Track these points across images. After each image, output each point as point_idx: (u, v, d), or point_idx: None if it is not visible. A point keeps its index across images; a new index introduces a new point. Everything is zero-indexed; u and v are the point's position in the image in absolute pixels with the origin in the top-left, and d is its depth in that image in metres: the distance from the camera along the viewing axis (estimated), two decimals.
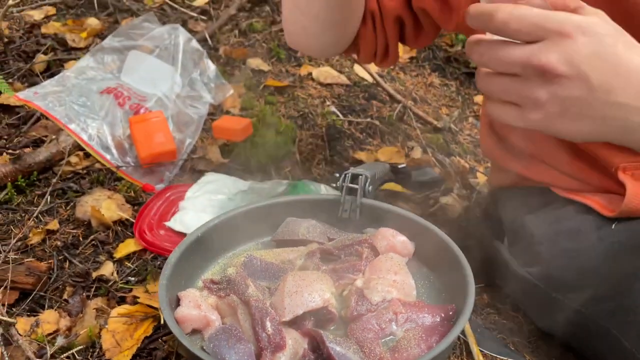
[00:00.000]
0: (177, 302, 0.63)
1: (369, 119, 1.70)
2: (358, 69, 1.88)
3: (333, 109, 1.69)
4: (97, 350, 0.95)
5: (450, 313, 0.63)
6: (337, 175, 1.50)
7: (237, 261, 0.68)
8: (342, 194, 0.78)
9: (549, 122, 0.56)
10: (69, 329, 0.98)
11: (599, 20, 0.55)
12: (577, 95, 0.54)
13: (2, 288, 0.99)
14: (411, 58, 2.10)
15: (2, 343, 0.90)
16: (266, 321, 0.58)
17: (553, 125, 0.57)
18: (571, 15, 0.56)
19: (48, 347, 0.88)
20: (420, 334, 0.59)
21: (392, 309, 0.62)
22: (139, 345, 0.95)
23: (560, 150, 0.99)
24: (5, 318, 0.91)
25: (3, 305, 0.97)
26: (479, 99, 2.07)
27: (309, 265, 0.69)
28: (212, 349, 0.56)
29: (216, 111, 1.57)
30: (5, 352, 0.88)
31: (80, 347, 0.93)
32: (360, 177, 0.78)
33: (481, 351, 0.97)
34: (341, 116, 1.67)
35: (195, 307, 0.61)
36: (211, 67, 1.55)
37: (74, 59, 1.63)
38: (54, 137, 1.35)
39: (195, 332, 0.61)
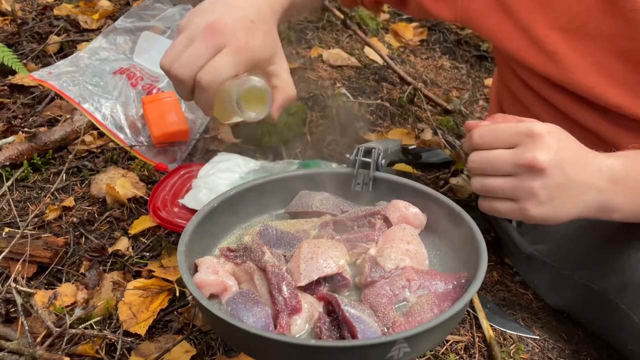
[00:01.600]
0: (195, 270, 0.65)
1: (379, 101, 1.70)
2: (369, 51, 1.88)
3: (343, 90, 1.69)
4: (114, 321, 0.97)
5: (463, 280, 0.64)
6: (348, 156, 1.51)
7: (253, 230, 0.70)
8: (355, 167, 0.79)
9: (542, 208, 0.68)
10: (86, 301, 1.00)
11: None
12: (559, 182, 0.67)
13: (20, 261, 1.02)
14: (422, 41, 2.09)
15: (22, 313, 0.93)
16: (282, 285, 0.60)
17: (545, 212, 0.69)
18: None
19: (67, 318, 0.90)
20: (433, 300, 0.61)
21: (405, 276, 0.63)
22: (154, 317, 0.97)
23: (569, 131, 1.00)
24: (25, 288, 0.93)
25: (22, 277, 1.00)
26: (489, 82, 2.06)
27: (323, 235, 0.71)
28: (230, 312, 0.58)
29: None
30: (25, 322, 0.91)
31: (97, 319, 0.96)
32: (374, 150, 0.79)
33: (491, 326, 0.98)
34: (351, 98, 1.68)
35: (213, 273, 0.63)
36: None
37: (86, 41, 1.65)
38: (68, 116, 1.37)
39: (212, 297, 0.63)
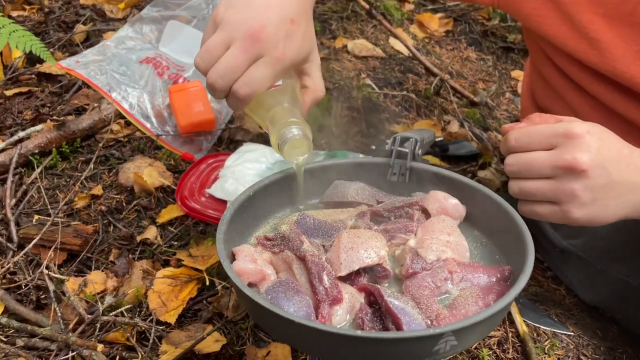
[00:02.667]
0: (232, 258, 0.64)
1: (404, 92, 1.68)
2: (393, 41, 1.85)
3: (369, 81, 1.68)
4: (144, 309, 0.97)
5: (507, 274, 0.62)
6: (373, 148, 1.49)
7: (290, 219, 0.69)
8: (391, 157, 0.78)
9: (585, 210, 0.66)
10: (116, 289, 1.01)
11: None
12: (602, 183, 0.65)
13: (52, 248, 1.02)
14: (447, 32, 2.06)
15: (54, 300, 0.93)
16: (323, 275, 0.59)
17: (589, 214, 0.67)
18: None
19: (100, 305, 0.90)
20: (477, 293, 0.59)
21: (447, 268, 0.62)
22: (184, 306, 0.97)
23: (608, 124, 0.97)
24: (57, 275, 0.94)
25: (54, 264, 1.00)
26: (516, 74, 2.02)
27: (360, 225, 0.69)
28: (270, 301, 0.57)
29: None
30: (57, 309, 0.91)
31: (128, 306, 0.96)
32: (411, 140, 0.77)
33: (524, 321, 0.96)
34: (377, 89, 1.66)
35: (251, 261, 0.62)
36: None
37: (112, 30, 1.65)
38: (95, 105, 1.37)
39: (250, 286, 0.62)
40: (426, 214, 0.72)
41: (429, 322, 0.56)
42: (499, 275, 0.62)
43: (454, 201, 0.72)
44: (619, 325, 1.00)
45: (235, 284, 0.55)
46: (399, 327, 0.53)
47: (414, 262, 0.62)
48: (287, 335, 0.55)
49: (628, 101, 0.88)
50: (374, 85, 1.67)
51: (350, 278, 0.62)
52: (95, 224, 1.14)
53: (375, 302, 0.58)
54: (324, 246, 0.65)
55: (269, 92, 0.72)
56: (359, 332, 0.50)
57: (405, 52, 1.83)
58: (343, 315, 0.57)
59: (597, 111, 0.97)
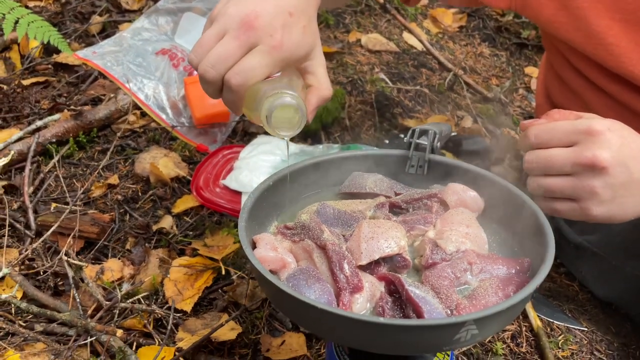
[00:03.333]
0: (252, 247, 0.65)
1: (418, 87, 1.68)
2: (407, 36, 1.85)
3: (382, 76, 1.68)
4: (161, 297, 0.98)
5: (526, 265, 0.63)
6: (387, 142, 1.49)
7: (310, 209, 0.69)
8: (410, 149, 0.78)
9: (604, 207, 0.66)
10: (132, 277, 1.02)
11: (613, 120, 0.67)
12: (622, 181, 0.65)
13: (71, 236, 1.03)
14: (460, 27, 2.06)
15: (73, 286, 0.94)
16: (344, 263, 0.59)
17: (608, 211, 0.67)
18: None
19: (118, 291, 0.91)
20: (497, 284, 0.59)
21: (466, 259, 0.62)
22: (200, 295, 0.98)
23: (625, 123, 0.97)
24: (76, 262, 0.95)
25: (72, 251, 1.01)
26: (529, 70, 2.02)
27: (379, 216, 0.70)
28: (292, 288, 0.57)
29: None
30: (77, 295, 0.93)
31: (144, 294, 0.97)
32: (429, 132, 0.78)
33: (538, 316, 0.97)
34: (390, 83, 1.66)
35: (272, 249, 0.62)
36: None
37: (128, 21, 1.66)
38: (112, 95, 1.38)
39: (271, 273, 0.63)
40: (445, 206, 0.72)
41: (449, 312, 0.57)
42: (518, 268, 0.63)
43: (472, 193, 0.72)
44: (632, 322, 1.00)
45: (257, 270, 0.56)
46: (420, 316, 0.54)
47: (433, 252, 0.62)
48: (308, 322, 0.56)
49: None
50: (387, 80, 1.67)
51: (370, 267, 0.62)
52: (112, 213, 1.15)
53: (395, 291, 0.59)
54: (343, 236, 0.66)
55: (265, 81, 0.65)
56: (381, 319, 0.50)
57: (419, 46, 1.82)
58: (363, 303, 0.58)
59: (613, 110, 0.96)
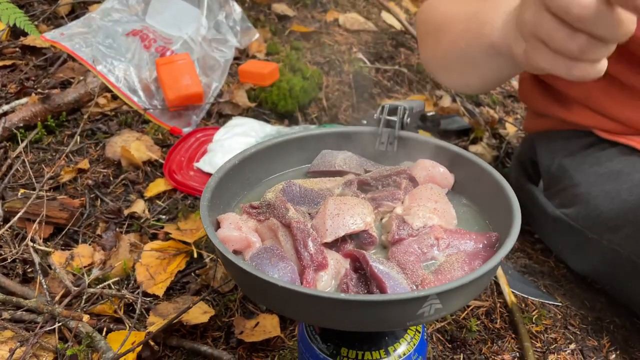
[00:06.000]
0: (217, 226, 0.63)
1: (396, 67, 1.66)
2: (386, 15, 1.83)
3: (360, 55, 1.65)
4: (132, 282, 0.97)
5: (493, 240, 0.62)
6: (364, 122, 1.48)
7: (276, 187, 0.68)
8: (379, 126, 0.77)
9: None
10: (103, 262, 1.00)
11: None
12: None
13: (37, 221, 1.01)
14: None
15: (40, 272, 0.92)
16: (308, 241, 0.58)
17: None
18: None
19: (86, 277, 0.90)
20: (463, 258, 0.59)
21: (433, 235, 0.61)
22: (172, 279, 0.97)
23: (608, 96, 0.96)
24: (43, 247, 0.93)
25: (39, 237, 0.99)
26: None
27: (347, 193, 0.69)
28: (255, 267, 0.56)
29: (242, 55, 1.54)
30: (43, 281, 0.90)
31: (115, 279, 0.95)
32: (399, 108, 0.76)
33: (513, 292, 0.97)
34: (368, 63, 1.64)
35: (236, 229, 0.61)
36: (237, 9, 1.52)
37: (98, 2, 1.61)
38: (81, 78, 1.35)
39: (235, 253, 0.61)
40: (414, 182, 0.71)
41: (414, 287, 0.56)
42: (485, 242, 0.62)
43: (441, 169, 0.71)
44: (607, 296, 1.01)
45: (219, 250, 0.54)
46: (383, 291, 0.53)
47: (400, 228, 0.61)
48: (271, 301, 0.55)
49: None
50: (365, 60, 1.65)
51: (336, 245, 0.61)
52: (82, 198, 1.12)
53: (360, 268, 0.58)
54: (309, 214, 0.64)
55: None
56: (342, 295, 0.49)
57: (398, 26, 1.80)
58: (328, 280, 0.57)
59: (600, 83, 0.95)
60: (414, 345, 0.68)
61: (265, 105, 1.42)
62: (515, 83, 1.94)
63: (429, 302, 0.50)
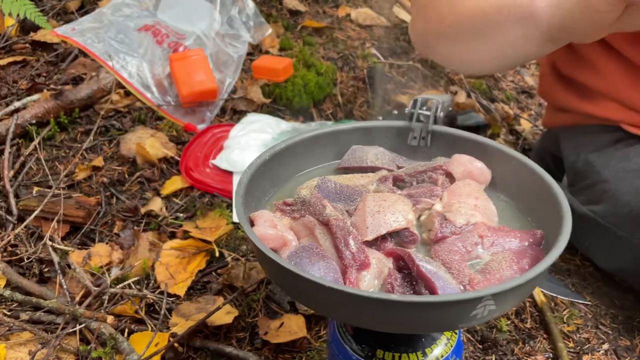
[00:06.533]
0: (250, 225, 0.61)
1: (410, 62, 1.64)
2: (398, 10, 1.80)
3: (374, 51, 1.63)
4: (152, 282, 0.94)
5: (538, 237, 0.60)
6: (380, 119, 1.45)
7: (310, 184, 0.65)
8: (412, 120, 0.74)
9: None
10: (121, 261, 0.98)
11: None
12: None
13: (55, 220, 0.98)
14: None
15: (59, 271, 0.90)
16: (349, 239, 0.56)
17: None
18: None
19: (107, 277, 0.87)
20: (511, 257, 0.56)
21: (477, 232, 0.59)
22: (193, 278, 0.94)
23: (636, 89, 0.94)
24: (62, 246, 0.90)
25: (57, 236, 0.97)
26: None
27: (383, 190, 0.66)
28: (295, 267, 0.54)
29: (254, 51, 1.52)
30: (63, 281, 0.88)
31: (135, 279, 0.93)
32: (433, 102, 0.74)
33: (542, 291, 0.95)
34: (382, 59, 1.62)
35: (272, 227, 0.59)
36: (250, 4, 1.49)
37: None
38: (94, 74, 1.32)
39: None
40: (450, 178, 0.68)
41: (462, 288, 0.54)
42: (531, 240, 0.60)
43: (479, 164, 0.69)
44: (635, 295, 0.99)
45: (259, 248, 0.52)
46: (433, 292, 0.51)
47: (443, 226, 0.59)
48: (315, 302, 0.52)
49: None
50: (379, 55, 1.63)
51: (376, 243, 0.59)
52: (98, 196, 1.10)
53: (404, 268, 0.55)
54: (347, 211, 0.62)
55: None
56: (395, 296, 0.47)
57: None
58: (371, 280, 0.54)
59: (627, 75, 0.93)
60: (451, 347, 0.66)
61: (280, 102, 1.39)
62: (528, 78, 1.92)
63: (484, 304, 0.48)
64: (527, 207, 0.66)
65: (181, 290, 0.92)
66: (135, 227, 1.04)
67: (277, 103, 1.39)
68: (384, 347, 0.64)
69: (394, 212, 0.58)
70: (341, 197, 0.64)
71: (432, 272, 0.52)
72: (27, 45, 1.43)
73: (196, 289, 0.95)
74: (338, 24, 1.71)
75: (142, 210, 1.07)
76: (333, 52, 1.59)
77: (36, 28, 1.45)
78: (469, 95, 1.62)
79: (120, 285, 0.90)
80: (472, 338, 0.86)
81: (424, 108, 0.75)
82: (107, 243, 1.01)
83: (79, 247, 1.01)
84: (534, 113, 1.74)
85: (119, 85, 1.31)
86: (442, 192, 0.65)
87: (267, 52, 1.52)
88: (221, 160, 1.17)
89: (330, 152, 0.75)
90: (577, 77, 1.03)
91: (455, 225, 0.59)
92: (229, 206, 1.08)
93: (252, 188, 0.64)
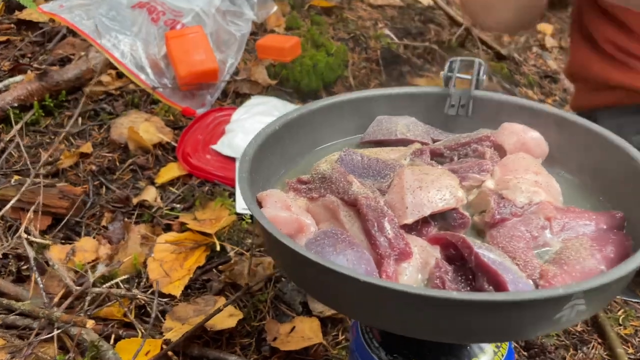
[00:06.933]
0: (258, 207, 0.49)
1: (426, 43, 1.52)
2: None
3: (387, 31, 1.51)
4: (144, 280, 0.82)
5: (618, 219, 0.48)
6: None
7: (330, 158, 0.54)
8: (449, 85, 0.62)
9: None
10: (110, 257, 0.86)
11: None
12: None
13: (31, 210, 0.87)
14: None
15: (35, 269, 0.78)
16: (384, 222, 0.44)
17: None
18: None
19: (90, 274, 0.75)
20: (590, 244, 0.44)
21: (543, 214, 0.47)
22: (191, 276, 0.82)
23: None
24: (38, 239, 0.78)
25: (35, 229, 0.85)
26: (543, 27, 1.86)
27: (420, 164, 0.54)
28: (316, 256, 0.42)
29: (259, 30, 1.40)
30: (39, 280, 0.76)
31: (124, 277, 0.81)
32: (475, 63, 0.62)
33: None
34: (396, 39, 1.50)
35: (284, 208, 0.47)
36: None
37: None
38: (82, 54, 1.21)
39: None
40: (500, 151, 0.56)
41: (531, 283, 0.42)
42: (609, 223, 0.48)
43: (535, 134, 0.56)
44: None
45: (270, 233, 0.40)
46: (500, 288, 0.39)
47: (500, 206, 0.47)
48: (343, 301, 0.40)
49: None
50: (392, 36, 1.51)
51: (416, 228, 0.47)
52: (85, 185, 0.98)
53: (456, 258, 0.43)
54: (378, 189, 0.50)
55: None
56: (455, 294, 0.35)
57: (425, 1, 1.66)
58: (413, 273, 0.42)
59: None
60: (502, 356, 0.54)
61: (287, 83, 1.28)
62: (551, 62, 1.80)
63: (573, 303, 0.36)
64: (599, 185, 0.54)
65: (177, 290, 0.80)
66: (126, 219, 0.92)
67: (284, 85, 1.28)
68: (419, 356, 0.52)
69: (439, 189, 0.46)
70: (370, 172, 0.52)
71: (497, 262, 0.40)
72: (12, 25, 1.32)
73: (194, 289, 0.83)
74: (348, 3, 1.59)
75: (135, 201, 0.95)
76: (343, 32, 1.47)
77: (22, 7, 1.33)
78: (490, 79, 1.50)
79: (107, 284, 0.78)
80: (515, 344, 0.74)
81: (466, 71, 0.63)
82: (94, 237, 0.89)
83: (63, 241, 0.89)
84: (559, 99, 1.62)
85: (111, 66, 1.19)
86: (492, 166, 0.53)
87: (272, 32, 1.40)
88: (223, 146, 1.06)
89: (351, 124, 0.63)
90: (604, 32, 0.93)
91: (515, 205, 0.47)
92: (232, 195, 0.96)
93: (259, 163, 0.53)
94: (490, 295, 0.36)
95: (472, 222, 0.49)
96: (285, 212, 0.47)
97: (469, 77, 0.62)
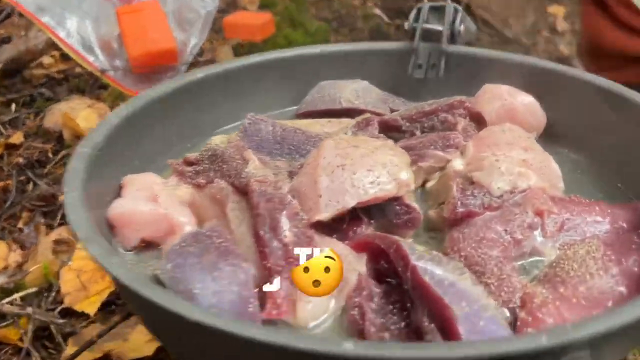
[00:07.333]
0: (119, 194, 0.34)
1: None
2: None
3: (377, 11, 1.36)
4: (54, 294, 0.67)
5: None
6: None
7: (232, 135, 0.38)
8: (414, 39, 0.47)
9: None
10: (20, 265, 0.71)
11: None
12: None
13: None
14: None
15: None
16: (280, 218, 0.28)
17: None
18: None
19: None
20: (603, 252, 0.28)
21: (531, 206, 0.31)
22: (112, 289, 0.67)
23: None
24: None
25: None
26: (554, 9, 1.71)
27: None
28: (171, 275, 0.27)
29: (229, 8, 1.26)
30: None
31: (31, 290, 0.66)
32: (447, 9, 0.46)
33: None
34: (387, 19, 1.35)
35: (148, 200, 0.32)
36: None
37: None
38: (22, 33, 1.07)
39: (149, 246, 0.32)
40: (480, 122, 0.41)
41: (508, 316, 0.26)
42: (632, 219, 0.32)
43: (527, 99, 0.41)
44: None
45: (80, 239, 0.25)
46: (446, 325, 0.23)
47: (467, 194, 0.31)
48: (192, 351, 0.25)
49: None
50: (383, 16, 1.36)
51: (339, 228, 0.31)
52: (8, 181, 0.84)
53: (387, 273, 0.27)
54: (289, 172, 0.34)
55: None
56: (349, 347, 0.19)
57: None
58: (320, 302, 0.27)
59: None
60: None
61: None
62: (563, 47, 1.64)
63: (570, 357, 0.20)
64: (616, 168, 0.37)
65: (92, 307, 0.65)
66: (45, 220, 0.77)
67: None
68: None
69: (372, 168, 0.30)
70: (283, 149, 0.36)
71: (446, 282, 0.24)
72: None
73: (118, 304, 0.68)
74: None
75: (61, 199, 0.81)
76: (327, 11, 1.33)
77: None
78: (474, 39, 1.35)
79: (7, 299, 0.64)
80: None
81: (436, 20, 0.47)
82: (7, 241, 0.75)
83: None
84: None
85: (55, 47, 1.06)
86: (463, 140, 0.37)
87: (244, 9, 1.26)
88: None
89: (283, 93, 0.48)
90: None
91: (490, 193, 0.31)
92: None
93: (131, 136, 0.37)
94: (407, 351, 0.20)
95: (427, 220, 0.33)
96: (148, 205, 0.32)
97: (440, 28, 0.47)
